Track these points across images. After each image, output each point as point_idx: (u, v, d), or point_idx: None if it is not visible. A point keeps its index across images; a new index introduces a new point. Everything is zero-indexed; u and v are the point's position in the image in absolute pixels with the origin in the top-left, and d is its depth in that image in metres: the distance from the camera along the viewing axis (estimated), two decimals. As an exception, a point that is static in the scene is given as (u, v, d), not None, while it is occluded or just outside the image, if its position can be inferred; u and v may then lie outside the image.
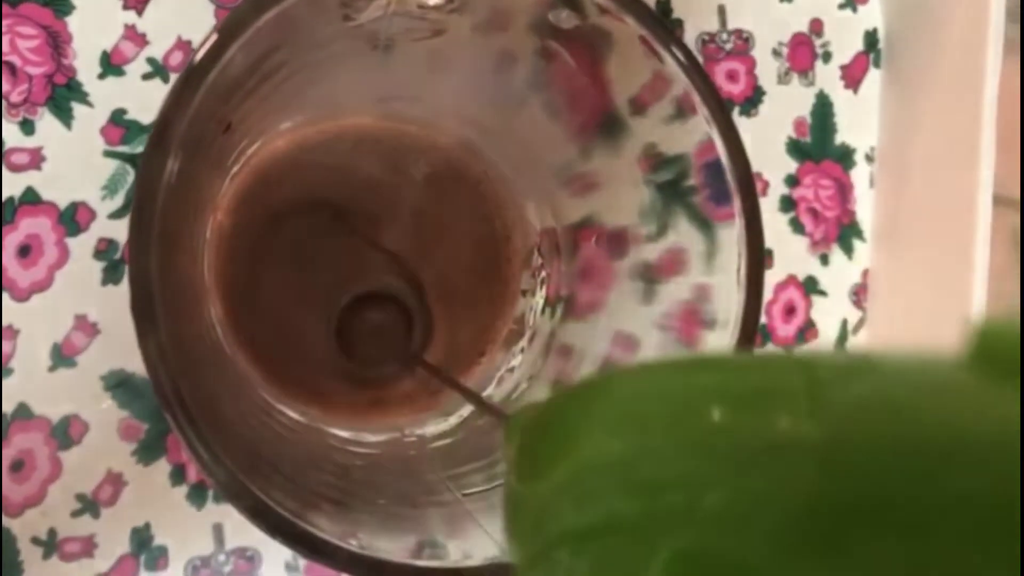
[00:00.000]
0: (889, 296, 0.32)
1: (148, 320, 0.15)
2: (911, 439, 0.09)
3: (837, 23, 0.31)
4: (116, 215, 0.26)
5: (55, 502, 0.25)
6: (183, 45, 0.26)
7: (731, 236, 0.20)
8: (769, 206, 0.31)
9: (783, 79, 0.31)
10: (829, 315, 0.32)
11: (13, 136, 0.25)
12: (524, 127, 0.24)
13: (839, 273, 0.32)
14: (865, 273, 0.32)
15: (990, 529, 0.08)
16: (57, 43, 0.25)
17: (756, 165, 0.31)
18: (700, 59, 0.30)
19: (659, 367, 0.14)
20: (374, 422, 0.26)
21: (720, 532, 0.10)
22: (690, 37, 0.30)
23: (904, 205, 0.31)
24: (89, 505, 0.26)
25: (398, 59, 0.22)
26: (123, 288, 0.25)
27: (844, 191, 0.32)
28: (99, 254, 0.26)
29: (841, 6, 0.31)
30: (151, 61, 0.26)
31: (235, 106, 0.19)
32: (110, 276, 0.26)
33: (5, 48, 0.25)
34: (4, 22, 0.25)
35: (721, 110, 0.19)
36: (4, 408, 0.25)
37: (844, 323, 0.32)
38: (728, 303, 0.20)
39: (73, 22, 0.25)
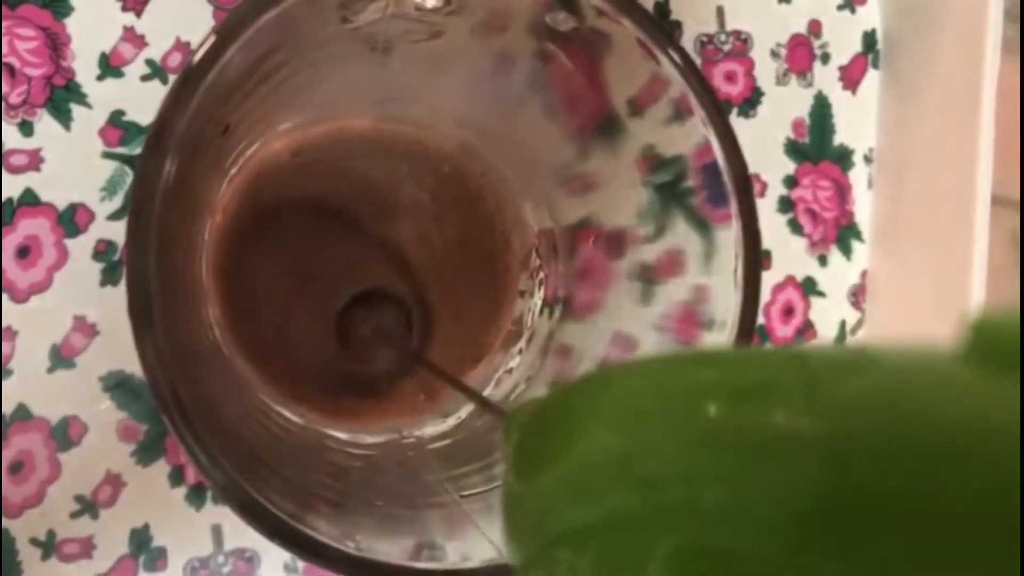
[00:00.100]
0: (888, 297, 0.32)
1: (146, 322, 0.15)
2: (909, 432, 0.09)
3: (835, 24, 0.31)
4: (115, 216, 0.26)
5: (54, 503, 0.25)
6: (182, 46, 0.26)
7: (729, 237, 0.20)
8: (767, 207, 0.31)
9: (781, 80, 0.31)
10: (827, 316, 0.32)
11: (12, 137, 0.25)
12: (522, 129, 0.24)
13: (837, 274, 0.32)
14: (863, 274, 0.32)
15: (989, 521, 0.08)
16: (56, 45, 0.25)
17: (754, 166, 0.31)
18: (698, 60, 0.30)
19: (656, 362, 0.14)
20: (373, 423, 0.26)
21: (719, 526, 0.10)
22: (689, 38, 0.30)
23: (903, 206, 0.31)
24: (88, 506, 0.26)
25: (396, 61, 0.22)
26: (122, 289, 0.25)
27: (842, 192, 0.32)
28: (98, 255, 0.26)
29: (839, 7, 0.31)
30: (150, 63, 0.26)
31: (233, 107, 0.19)
32: (109, 277, 0.26)
33: (4, 49, 0.25)
34: (3, 23, 0.25)
35: (717, 112, 0.19)
36: (3, 409, 0.25)
37: (843, 324, 0.32)
38: (726, 304, 0.20)
39: (72, 24, 0.25)
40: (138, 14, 0.26)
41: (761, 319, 0.31)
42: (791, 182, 0.31)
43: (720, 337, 0.20)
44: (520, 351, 0.26)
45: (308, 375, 0.26)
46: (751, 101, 0.31)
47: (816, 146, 0.31)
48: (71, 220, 0.25)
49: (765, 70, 0.31)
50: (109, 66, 0.26)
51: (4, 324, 0.25)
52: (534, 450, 0.14)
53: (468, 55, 0.22)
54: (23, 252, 0.25)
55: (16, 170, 0.25)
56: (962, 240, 0.28)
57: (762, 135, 0.31)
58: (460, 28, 0.21)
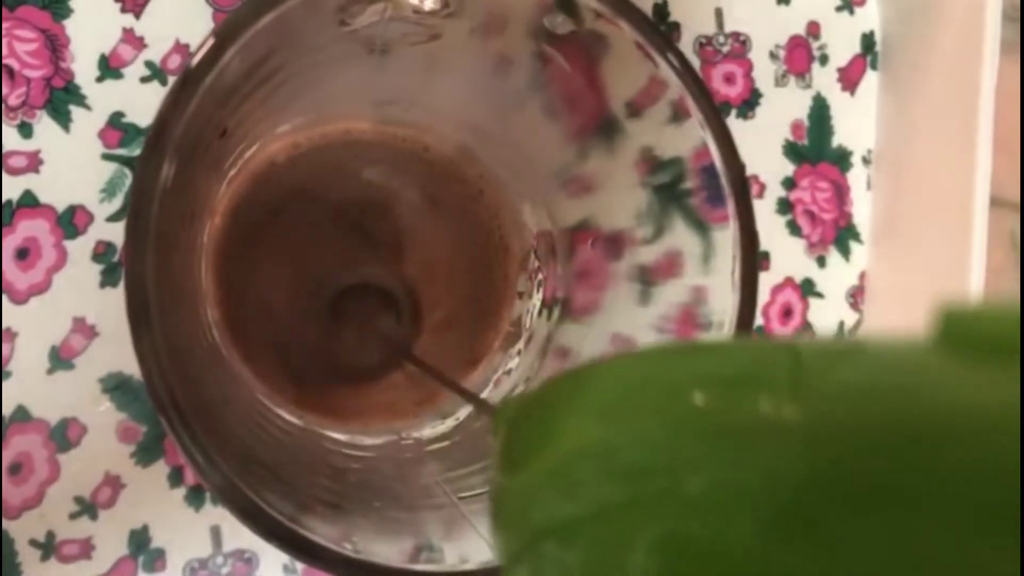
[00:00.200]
0: (886, 298, 0.32)
1: (144, 323, 0.15)
2: (886, 419, 0.09)
3: (834, 25, 0.31)
4: (114, 218, 0.26)
5: (53, 504, 0.25)
6: (181, 48, 0.26)
7: (727, 238, 0.20)
8: (766, 208, 0.31)
9: (780, 81, 0.31)
10: (826, 317, 0.32)
11: (11, 139, 0.25)
12: (520, 131, 0.24)
13: (836, 275, 0.32)
14: (862, 275, 0.32)
15: (968, 505, 0.08)
16: (55, 46, 0.25)
17: (753, 167, 0.31)
18: (697, 62, 0.30)
19: (646, 354, 0.14)
20: (371, 425, 0.26)
21: (703, 515, 0.10)
22: (687, 40, 0.30)
23: (901, 207, 0.31)
24: (87, 507, 0.26)
25: (394, 63, 0.22)
26: (121, 290, 0.25)
27: (841, 193, 0.32)
28: (97, 257, 0.26)
29: (838, 8, 0.31)
30: (149, 64, 0.26)
31: (232, 110, 0.19)
32: (108, 279, 0.26)
33: (3, 51, 0.25)
34: (3, 25, 0.25)
35: (715, 114, 0.19)
36: (3, 410, 0.25)
37: (841, 325, 0.32)
38: (724, 305, 0.20)
39: (71, 25, 0.25)
40: (137, 16, 0.26)
41: (760, 320, 0.31)
42: (790, 183, 0.31)
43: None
44: (519, 352, 0.26)
45: (307, 376, 0.26)
46: (750, 102, 0.31)
47: (815, 147, 0.31)
48: (70, 222, 0.25)
49: (764, 71, 0.31)
50: (108, 68, 0.26)
51: (3, 325, 0.25)
52: (519, 443, 0.14)
53: (466, 57, 0.22)
54: (22, 254, 0.25)
55: (15, 172, 0.25)
56: (961, 241, 0.28)
57: (761, 136, 0.31)
58: (458, 31, 0.21)
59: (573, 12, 0.19)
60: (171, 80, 0.26)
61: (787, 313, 0.31)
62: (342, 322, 0.27)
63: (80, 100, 0.25)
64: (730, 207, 0.19)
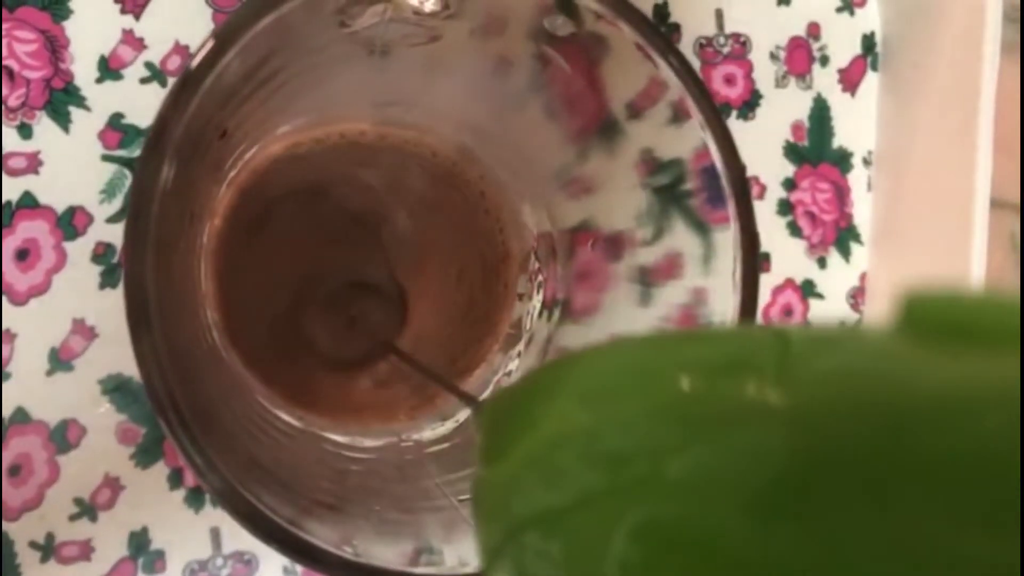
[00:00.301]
0: (887, 299, 0.32)
1: (143, 325, 0.15)
2: (862, 405, 0.09)
3: (834, 26, 0.31)
4: (114, 219, 0.26)
5: (53, 506, 0.25)
6: (181, 49, 0.26)
7: (727, 240, 0.20)
8: (766, 209, 0.31)
9: (780, 83, 0.31)
10: (826, 318, 0.32)
11: (11, 140, 0.25)
12: (521, 132, 0.24)
13: (837, 276, 0.32)
14: (863, 276, 0.32)
15: (946, 485, 0.08)
16: (55, 47, 0.25)
17: (753, 168, 0.31)
18: (697, 63, 0.30)
19: (631, 340, 0.14)
20: (371, 426, 0.26)
21: (684, 499, 0.10)
22: (688, 41, 0.30)
23: (902, 208, 0.31)
24: (87, 509, 0.26)
25: (394, 65, 0.22)
26: (121, 292, 0.25)
27: (841, 194, 0.32)
28: (97, 258, 0.26)
29: (839, 9, 0.31)
30: (149, 65, 0.26)
31: (232, 111, 0.19)
32: (108, 280, 0.26)
33: (3, 52, 0.25)
34: (2, 26, 0.25)
35: (715, 115, 0.19)
36: (2, 412, 0.25)
37: (841, 326, 0.32)
38: (724, 306, 0.20)
39: (71, 26, 0.25)
40: (137, 17, 0.26)
41: (760, 321, 0.31)
42: (790, 184, 0.31)
43: (718, 340, 0.20)
44: (519, 354, 0.26)
45: (306, 378, 0.26)
46: (750, 103, 0.31)
47: (815, 148, 0.31)
48: (70, 223, 0.25)
49: (764, 72, 0.31)
50: (108, 69, 0.26)
51: (3, 327, 0.25)
52: (501, 433, 0.14)
53: (467, 59, 0.22)
54: (22, 255, 0.25)
55: (15, 173, 0.25)
56: (961, 243, 0.28)
57: (761, 137, 0.31)
58: (458, 32, 0.21)
59: (573, 13, 0.19)
60: (171, 81, 0.26)
61: (787, 314, 0.31)
62: (341, 321, 0.26)
63: (80, 101, 0.25)
64: (730, 208, 0.19)
